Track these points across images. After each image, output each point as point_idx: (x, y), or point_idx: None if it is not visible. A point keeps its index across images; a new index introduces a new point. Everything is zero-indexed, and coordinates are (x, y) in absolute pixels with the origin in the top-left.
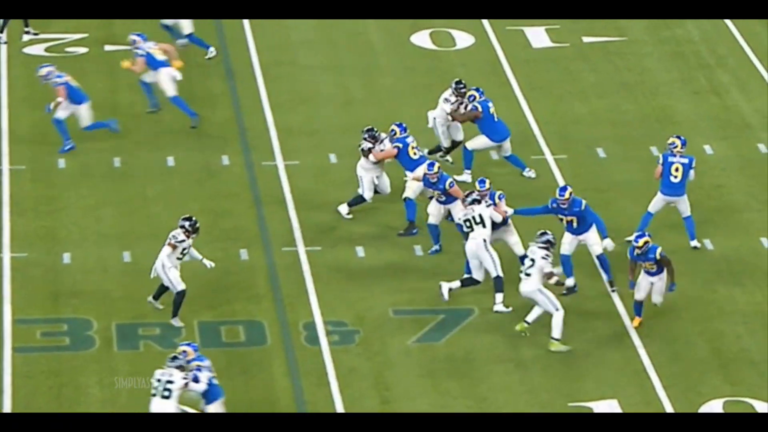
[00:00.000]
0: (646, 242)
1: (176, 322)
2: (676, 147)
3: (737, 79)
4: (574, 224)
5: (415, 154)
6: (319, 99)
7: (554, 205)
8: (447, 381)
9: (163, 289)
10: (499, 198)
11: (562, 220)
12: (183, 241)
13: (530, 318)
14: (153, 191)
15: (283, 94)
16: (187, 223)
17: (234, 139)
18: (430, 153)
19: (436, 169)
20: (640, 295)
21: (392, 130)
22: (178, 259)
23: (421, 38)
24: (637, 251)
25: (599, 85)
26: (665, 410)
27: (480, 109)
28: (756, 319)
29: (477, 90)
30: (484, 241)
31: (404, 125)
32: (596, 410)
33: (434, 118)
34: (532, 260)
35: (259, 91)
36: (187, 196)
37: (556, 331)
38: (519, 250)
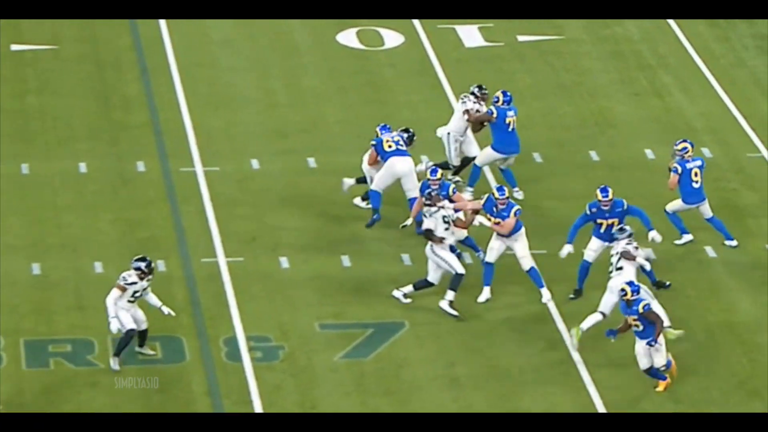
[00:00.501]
0: (632, 292)
1: (114, 364)
2: (687, 152)
3: (679, 80)
4: (614, 227)
5: (390, 146)
6: (241, 101)
7: (593, 209)
8: (376, 398)
9: (143, 334)
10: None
11: (601, 225)
12: (134, 283)
13: (586, 325)
14: (64, 200)
15: (202, 97)
16: (142, 264)
17: (150, 144)
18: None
19: (439, 175)
20: (644, 363)
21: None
22: (130, 302)
23: (348, 37)
24: (624, 298)
25: (535, 87)
26: None
27: (495, 114)
28: (699, 331)
29: (504, 93)
30: (431, 246)
31: (388, 126)
32: None
33: (448, 133)
34: (619, 253)
35: (176, 93)
36: (100, 205)
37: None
38: (527, 263)
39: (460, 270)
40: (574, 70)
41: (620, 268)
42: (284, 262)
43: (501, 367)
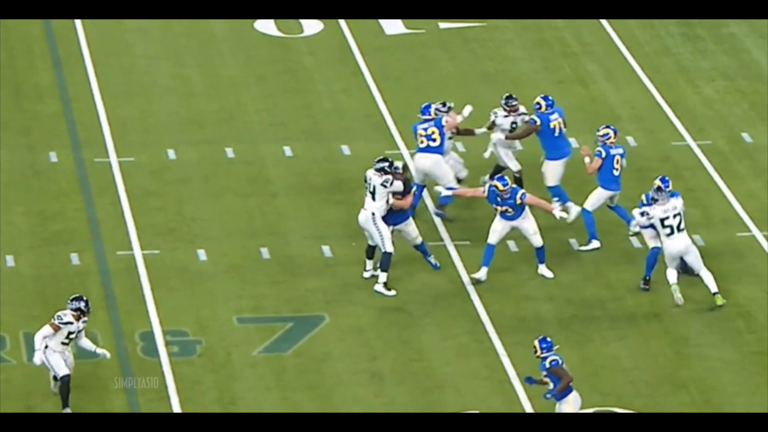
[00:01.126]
0: (541, 349)
1: (66, 410)
2: (609, 138)
3: (604, 68)
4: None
5: (422, 142)
6: (156, 91)
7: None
8: (297, 393)
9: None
10: (521, 197)
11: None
12: (69, 323)
13: (709, 284)
14: None
15: (116, 86)
16: (81, 304)
17: (62, 134)
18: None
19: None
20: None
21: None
22: (63, 344)
23: (266, 25)
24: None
25: (458, 75)
26: None
27: (538, 122)
28: (625, 323)
29: (545, 98)
30: (373, 214)
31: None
32: None
33: (494, 144)
34: (678, 214)
35: (89, 83)
36: (12, 197)
37: (714, 284)
38: (537, 241)
39: (389, 249)
40: (498, 58)
41: (681, 229)
42: (202, 254)
43: (424, 360)
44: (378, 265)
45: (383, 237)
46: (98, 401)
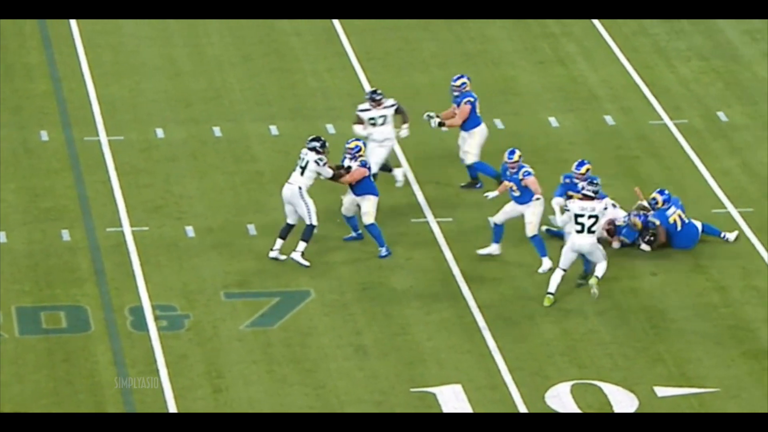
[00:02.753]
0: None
1: None
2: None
3: (583, 48)
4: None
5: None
6: (144, 70)
7: (568, 180)
8: (283, 367)
9: None
10: (525, 175)
11: (571, 198)
12: None
13: (553, 288)
14: None
15: (105, 65)
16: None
17: (53, 113)
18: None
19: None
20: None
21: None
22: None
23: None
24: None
25: (440, 55)
26: (511, 394)
27: (658, 222)
28: (602, 298)
29: (661, 192)
30: (300, 188)
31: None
32: (440, 396)
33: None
34: (595, 216)
35: (79, 62)
36: (3, 175)
37: (602, 272)
38: (530, 230)
39: (315, 221)
40: (479, 39)
41: (592, 231)
42: (190, 231)
43: (408, 334)
44: (301, 237)
45: (310, 211)
46: (88, 373)
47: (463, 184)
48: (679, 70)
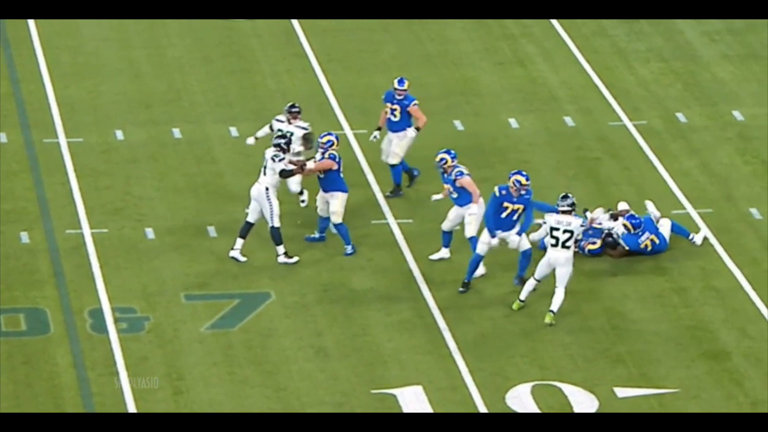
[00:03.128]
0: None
1: None
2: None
3: (543, 49)
4: (516, 216)
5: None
6: (104, 71)
7: (503, 191)
8: (244, 369)
9: None
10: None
11: (506, 209)
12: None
13: (524, 295)
14: None
15: (64, 67)
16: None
17: (12, 114)
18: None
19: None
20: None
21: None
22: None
23: None
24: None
25: (400, 57)
26: (471, 395)
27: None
28: (565, 300)
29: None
30: (267, 189)
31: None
32: (400, 397)
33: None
34: (570, 231)
35: (38, 63)
36: None
37: (558, 304)
38: (468, 232)
39: (276, 224)
40: (439, 40)
41: (567, 247)
42: (149, 233)
43: (369, 335)
44: (273, 242)
45: (272, 212)
46: (48, 376)
47: (388, 193)
48: (639, 71)
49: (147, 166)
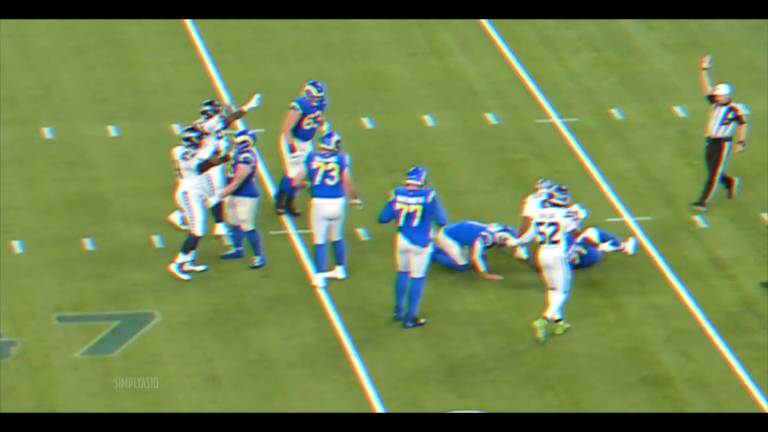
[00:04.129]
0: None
1: None
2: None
3: (461, 38)
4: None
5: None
6: None
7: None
8: (126, 400)
9: None
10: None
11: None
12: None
13: (551, 313)
14: None
15: None
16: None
17: None
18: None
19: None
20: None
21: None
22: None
23: None
24: None
25: (300, 47)
26: None
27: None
28: (487, 319)
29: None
30: (185, 193)
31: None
32: None
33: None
34: (554, 224)
35: None
36: None
37: (556, 310)
38: (335, 236)
39: (199, 232)
40: (344, 27)
41: (555, 242)
42: (17, 246)
43: (266, 361)
44: (181, 248)
45: (193, 218)
46: None
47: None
48: (569, 62)
49: (13, 170)
